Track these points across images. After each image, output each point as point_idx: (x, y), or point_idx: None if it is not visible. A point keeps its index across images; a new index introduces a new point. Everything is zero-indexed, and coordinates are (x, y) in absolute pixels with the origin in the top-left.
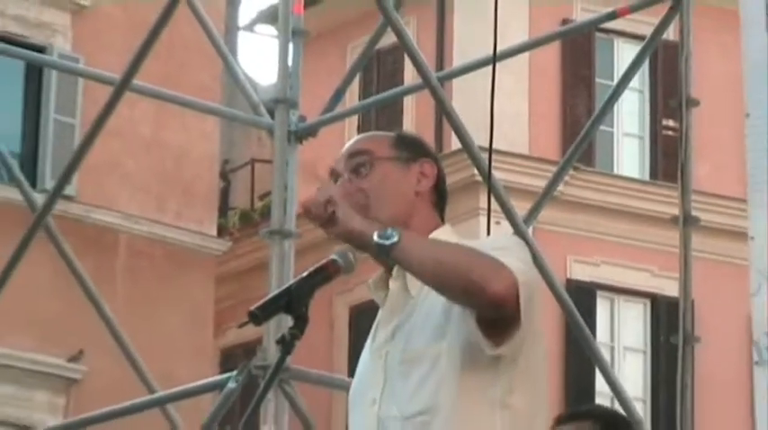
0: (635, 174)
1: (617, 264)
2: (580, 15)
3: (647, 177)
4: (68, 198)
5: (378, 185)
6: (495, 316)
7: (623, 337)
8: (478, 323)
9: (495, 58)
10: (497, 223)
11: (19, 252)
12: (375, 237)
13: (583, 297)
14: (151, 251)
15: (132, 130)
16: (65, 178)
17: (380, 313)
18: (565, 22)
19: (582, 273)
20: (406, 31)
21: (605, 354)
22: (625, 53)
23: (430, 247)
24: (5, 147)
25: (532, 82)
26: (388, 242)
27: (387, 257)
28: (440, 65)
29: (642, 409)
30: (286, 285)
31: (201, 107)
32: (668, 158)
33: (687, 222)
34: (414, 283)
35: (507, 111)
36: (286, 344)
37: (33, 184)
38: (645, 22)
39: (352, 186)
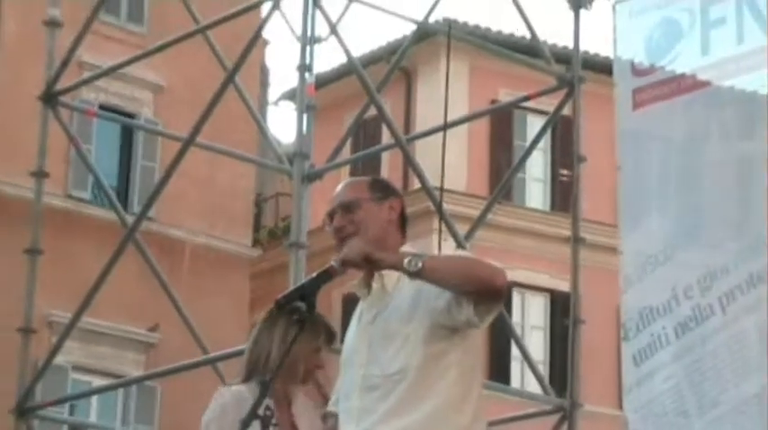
0: (540, 206)
1: (527, 269)
2: (503, 97)
3: (548, 209)
4: (150, 219)
5: (362, 219)
6: (492, 301)
7: (530, 319)
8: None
9: (445, 126)
10: (445, 240)
11: (115, 256)
12: (406, 265)
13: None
14: (206, 255)
15: (195, 171)
16: (148, 205)
17: (362, 304)
18: (493, 101)
19: None
20: (384, 108)
21: (518, 331)
22: (535, 124)
23: (444, 264)
24: (107, 182)
25: (470, 142)
26: (415, 268)
27: (417, 278)
28: (407, 130)
29: (543, 369)
30: (301, 282)
31: (242, 157)
32: (564, 196)
33: (576, 241)
34: (389, 284)
35: (452, 161)
36: (300, 323)
37: (125, 209)
38: (548, 103)
39: (344, 220)
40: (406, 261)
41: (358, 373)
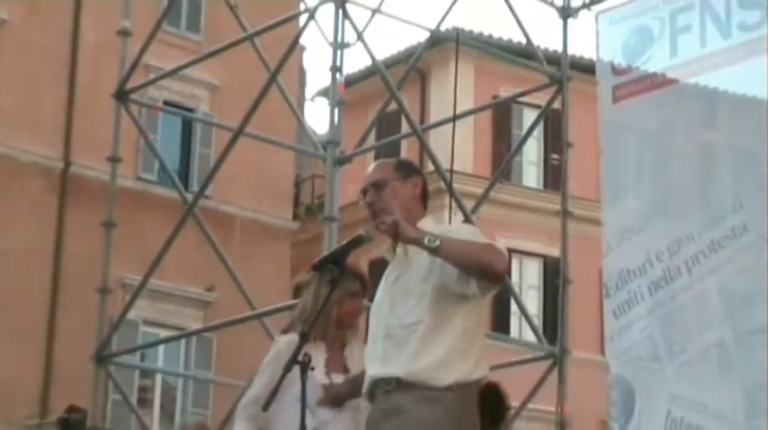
0: (534, 185)
1: (524, 238)
2: (503, 93)
3: (542, 187)
4: (206, 197)
5: (389, 195)
6: (492, 282)
7: (527, 280)
8: (479, 279)
9: (454, 118)
10: (455, 214)
11: (178, 228)
12: (426, 243)
13: None
14: (253, 228)
15: (244, 157)
16: (204, 185)
17: (389, 267)
18: (494, 97)
19: (504, 243)
20: (403, 102)
21: (516, 290)
22: (530, 116)
23: (456, 246)
24: (170, 166)
25: (475, 131)
26: (433, 245)
27: (432, 254)
28: (422, 121)
29: (537, 322)
30: (333, 249)
31: (284, 145)
32: (554, 176)
33: (565, 214)
34: (411, 251)
35: (460, 147)
36: (333, 283)
37: (186, 188)
38: (542, 98)
39: (375, 196)
40: (426, 239)
41: (381, 323)
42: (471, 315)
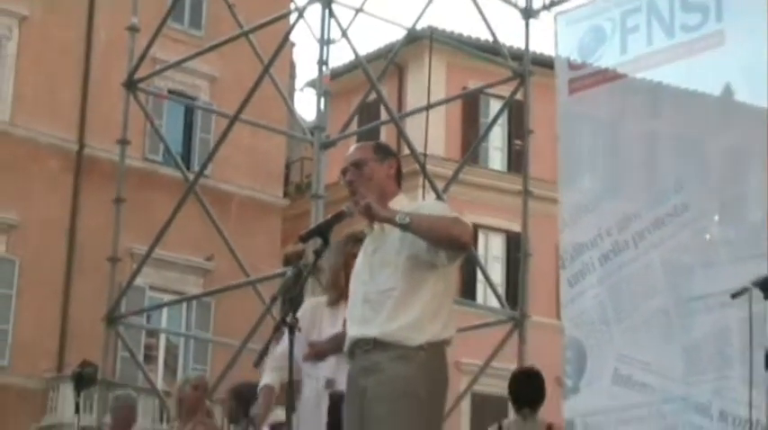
0: (499, 168)
1: (489, 215)
2: (472, 85)
3: (506, 170)
4: (206, 176)
5: (368, 174)
6: (458, 252)
7: (492, 252)
8: (446, 250)
9: (428, 107)
10: (428, 193)
11: (180, 204)
12: (397, 220)
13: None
14: (249, 204)
15: (240, 141)
16: (204, 166)
17: (367, 240)
18: (464, 89)
19: (472, 218)
20: (382, 93)
21: (482, 261)
22: (495, 106)
23: (426, 221)
24: (174, 149)
25: (447, 119)
26: (404, 222)
27: (403, 230)
28: (399, 110)
29: (501, 290)
30: (318, 223)
31: (276, 130)
32: (517, 160)
33: (526, 193)
34: (386, 227)
35: (433, 133)
36: (318, 253)
37: (188, 169)
38: (506, 90)
39: (354, 175)
40: (397, 218)
41: (361, 289)
42: (440, 282)
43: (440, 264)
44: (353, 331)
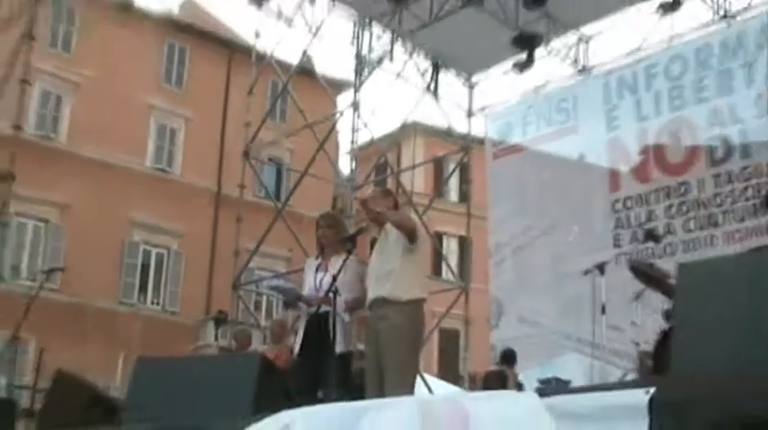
0: (455, 199)
1: (448, 226)
2: (439, 153)
3: (458, 201)
4: (289, 205)
5: (377, 204)
6: (413, 236)
7: (450, 247)
8: (408, 239)
9: (413, 166)
10: (412, 213)
11: (272, 223)
12: (380, 212)
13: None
14: (312, 220)
15: (306, 183)
16: (287, 198)
17: (378, 240)
18: (434, 156)
19: (437, 229)
20: (388, 158)
21: (444, 252)
22: (451, 164)
23: (393, 214)
24: (270, 189)
25: (425, 171)
26: (384, 213)
27: (383, 218)
28: (399, 166)
29: (455, 269)
30: (349, 233)
31: (326, 179)
32: (465, 195)
33: (469, 215)
34: (389, 229)
35: (417, 180)
36: (349, 251)
37: (278, 199)
38: (458, 156)
39: (372, 204)
40: (380, 211)
41: (374, 268)
42: (416, 264)
43: (408, 247)
44: (371, 293)
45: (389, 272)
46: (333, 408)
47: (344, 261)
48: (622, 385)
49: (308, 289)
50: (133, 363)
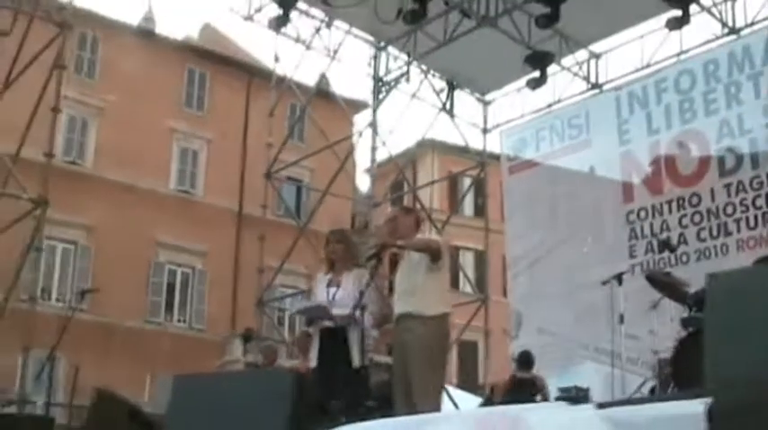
0: (470, 214)
1: (464, 241)
2: (454, 170)
3: (473, 215)
4: (310, 225)
5: (401, 225)
6: (437, 257)
7: (467, 261)
8: (431, 259)
9: (433, 182)
10: (431, 230)
11: (294, 242)
12: (399, 243)
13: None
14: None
15: (327, 201)
16: (309, 218)
17: (402, 261)
18: (450, 172)
19: (455, 242)
20: (406, 175)
21: (462, 266)
22: (466, 181)
23: (412, 242)
24: (291, 208)
25: (440, 188)
26: (402, 244)
27: (402, 248)
28: (414, 184)
29: (472, 281)
30: (373, 250)
31: (347, 197)
32: (480, 210)
33: (487, 229)
34: (410, 254)
35: (435, 197)
36: (374, 268)
37: (299, 217)
38: (474, 172)
39: (391, 226)
40: (399, 243)
41: (400, 284)
42: (439, 280)
43: (432, 266)
44: (398, 309)
45: (414, 288)
46: (388, 423)
47: (371, 278)
48: (676, 396)
49: (318, 303)
50: (170, 381)
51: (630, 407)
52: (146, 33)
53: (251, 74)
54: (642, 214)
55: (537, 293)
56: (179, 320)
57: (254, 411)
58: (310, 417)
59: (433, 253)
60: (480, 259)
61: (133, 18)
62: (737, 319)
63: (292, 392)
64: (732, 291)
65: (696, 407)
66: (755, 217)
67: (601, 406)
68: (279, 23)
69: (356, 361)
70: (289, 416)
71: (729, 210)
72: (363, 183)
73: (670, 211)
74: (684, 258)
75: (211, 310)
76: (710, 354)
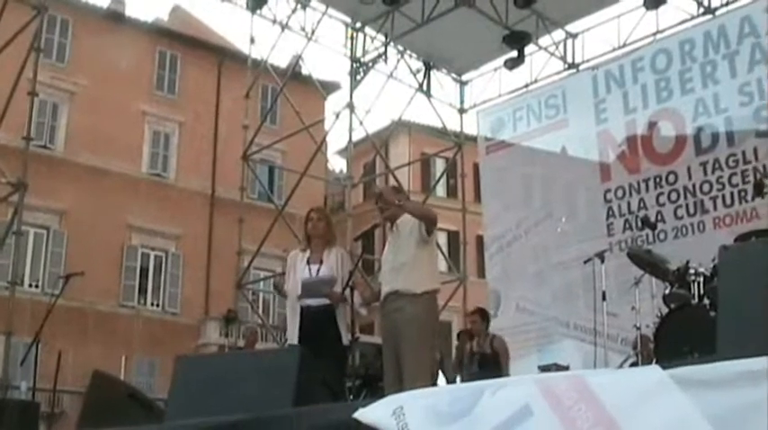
0: (442, 195)
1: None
2: (428, 151)
3: (446, 196)
4: (286, 207)
5: (389, 199)
6: (431, 226)
7: (440, 241)
8: (427, 230)
9: (410, 163)
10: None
11: (272, 225)
12: (398, 203)
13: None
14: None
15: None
16: (287, 200)
17: (390, 235)
18: (422, 153)
19: None
20: (380, 155)
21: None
22: (438, 163)
23: (412, 204)
24: (265, 189)
25: (413, 170)
26: (402, 203)
27: (402, 208)
28: (390, 164)
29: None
30: (364, 229)
31: (322, 178)
32: (453, 190)
33: (464, 209)
34: (401, 224)
35: (408, 178)
36: (364, 248)
37: (269, 201)
38: (449, 153)
39: (381, 201)
40: (397, 201)
41: (388, 262)
42: (428, 257)
43: (424, 239)
44: (385, 287)
45: (402, 265)
46: (445, 390)
47: (360, 256)
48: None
49: (297, 281)
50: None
51: (696, 366)
52: (115, 16)
53: (222, 56)
54: (619, 193)
55: (514, 272)
56: (153, 304)
57: (257, 389)
58: (316, 393)
59: (431, 220)
60: (454, 240)
61: (102, 1)
62: (744, 291)
63: (298, 368)
64: (741, 264)
65: (762, 363)
66: (731, 194)
67: (663, 366)
68: (255, 4)
69: (344, 339)
70: (293, 392)
71: (706, 188)
72: (335, 163)
73: (647, 190)
74: (662, 236)
75: (185, 294)
76: (719, 324)
